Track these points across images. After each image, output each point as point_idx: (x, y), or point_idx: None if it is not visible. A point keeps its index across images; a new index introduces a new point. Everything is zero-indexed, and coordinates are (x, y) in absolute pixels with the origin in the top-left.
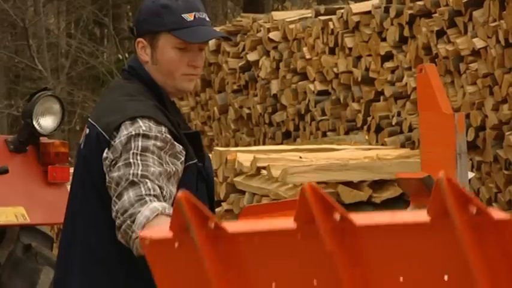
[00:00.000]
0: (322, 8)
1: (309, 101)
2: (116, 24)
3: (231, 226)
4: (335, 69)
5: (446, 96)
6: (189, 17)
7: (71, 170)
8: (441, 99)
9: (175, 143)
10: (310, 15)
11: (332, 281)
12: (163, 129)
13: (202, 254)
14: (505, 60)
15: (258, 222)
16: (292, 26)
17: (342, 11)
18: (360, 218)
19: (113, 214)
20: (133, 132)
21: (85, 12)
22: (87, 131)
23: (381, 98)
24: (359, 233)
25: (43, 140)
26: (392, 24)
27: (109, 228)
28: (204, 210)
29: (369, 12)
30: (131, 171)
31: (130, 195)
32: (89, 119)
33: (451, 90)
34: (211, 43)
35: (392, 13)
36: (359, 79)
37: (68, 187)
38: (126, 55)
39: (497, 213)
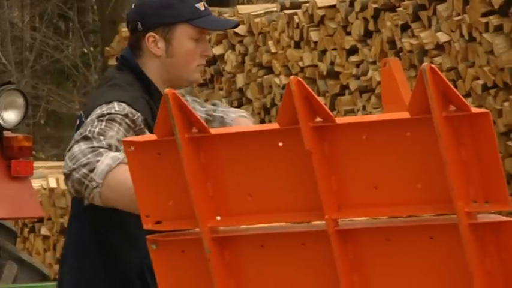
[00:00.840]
0: (287, 2)
1: (274, 94)
2: (81, 17)
3: (215, 130)
4: (300, 63)
5: (411, 90)
6: (200, 6)
7: (35, 164)
8: (405, 93)
9: (147, 131)
10: (275, 9)
11: (311, 183)
12: (138, 115)
13: (183, 156)
14: (469, 54)
15: (242, 127)
16: (257, 19)
17: (307, 5)
18: (341, 119)
19: (63, 169)
20: (105, 111)
21: (49, 5)
22: (77, 122)
23: (346, 92)
24: (339, 131)
25: (6, 134)
26: (357, 18)
27: (92, 224)
28: (190, 113)
29: (333, 6)
30: (88, 129)
31: (82, 147)
32: (79, 112)
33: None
34: None
35: (357, 7)
36: (324, 73)
37: (32, 181)
38: (91, 49)
39: (475, 108)
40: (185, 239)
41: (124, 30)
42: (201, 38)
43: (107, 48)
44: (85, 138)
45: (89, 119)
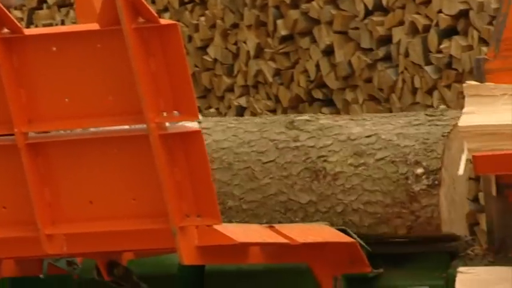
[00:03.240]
0: None
1: None
2: None
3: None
4: None
5: None
6: None
7: None
8: (98, 6)
9: None
10: None
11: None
12: None
13: None
14: None
15: None
16: None
17: None
18: (30, 30)
19: None
20: None
21: None
22: None
23: (44, 5)
24: (28, 43)
25: None
26: None
27: None
28: None
29: None
30: None
31: None
32: None
33: None
34: None
35: None
36: None
37: None
38: None
39: (163, 20)
40: None
41: None
42: None
43: None
44: None
45: None
